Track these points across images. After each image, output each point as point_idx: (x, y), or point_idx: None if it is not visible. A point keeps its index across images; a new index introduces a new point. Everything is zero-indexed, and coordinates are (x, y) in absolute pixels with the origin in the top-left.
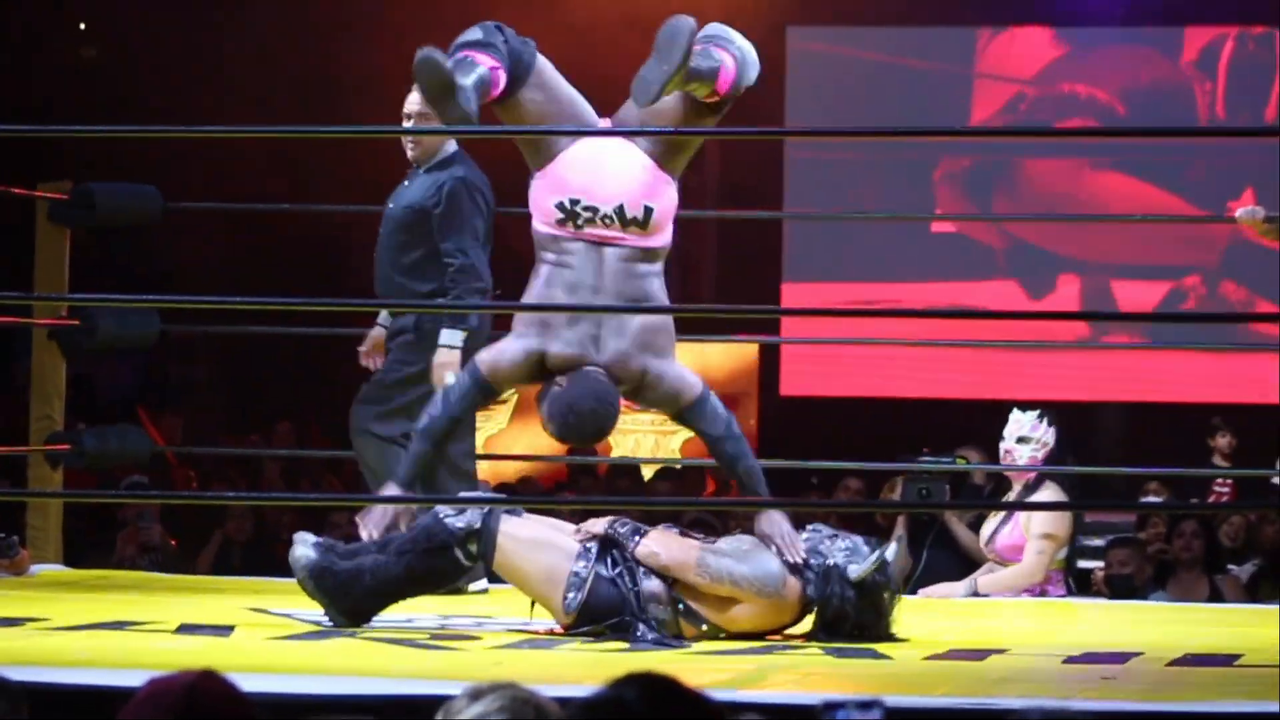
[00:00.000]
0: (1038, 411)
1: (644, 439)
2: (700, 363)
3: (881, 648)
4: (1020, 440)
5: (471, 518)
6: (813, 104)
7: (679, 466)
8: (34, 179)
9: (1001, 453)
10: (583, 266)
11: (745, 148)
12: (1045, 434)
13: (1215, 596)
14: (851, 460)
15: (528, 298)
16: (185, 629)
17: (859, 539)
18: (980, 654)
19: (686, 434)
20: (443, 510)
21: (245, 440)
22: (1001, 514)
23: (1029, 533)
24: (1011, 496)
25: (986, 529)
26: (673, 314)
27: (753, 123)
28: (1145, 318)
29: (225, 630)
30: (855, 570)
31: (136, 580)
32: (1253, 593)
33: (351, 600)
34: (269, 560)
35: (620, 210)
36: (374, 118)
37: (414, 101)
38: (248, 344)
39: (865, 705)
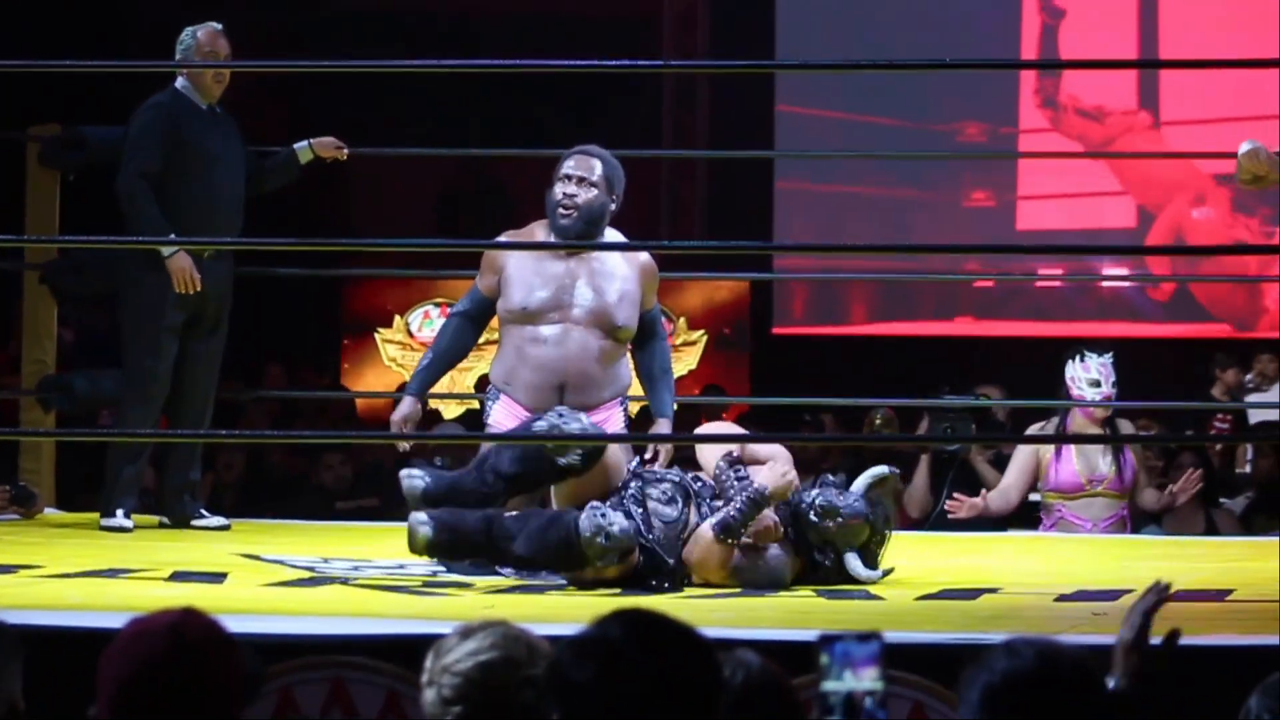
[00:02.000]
0: (1110, 354)
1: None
2: (690, 302)
3: (874, 588)
4: (1093, 384)
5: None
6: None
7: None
8: (25, 121)
9: (1073, 395)
10: None
11: (735, 92)
12: (1112, 374)
13: (1210, 530)
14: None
15: None
16: (178, 576)
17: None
18: (973, 593)
19: (679, 371)
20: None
21: (228, 385)
22: (1105, 451)
23: (1144, 467)
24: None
25: (1082, 466)
26: (666, 250)
27: (743, 57)
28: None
29: (218, 577)
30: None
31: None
32: (1247, 526)
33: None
34: (261, 502)
35: None
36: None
37: None
38: (236, 286)
39: (864, 637)
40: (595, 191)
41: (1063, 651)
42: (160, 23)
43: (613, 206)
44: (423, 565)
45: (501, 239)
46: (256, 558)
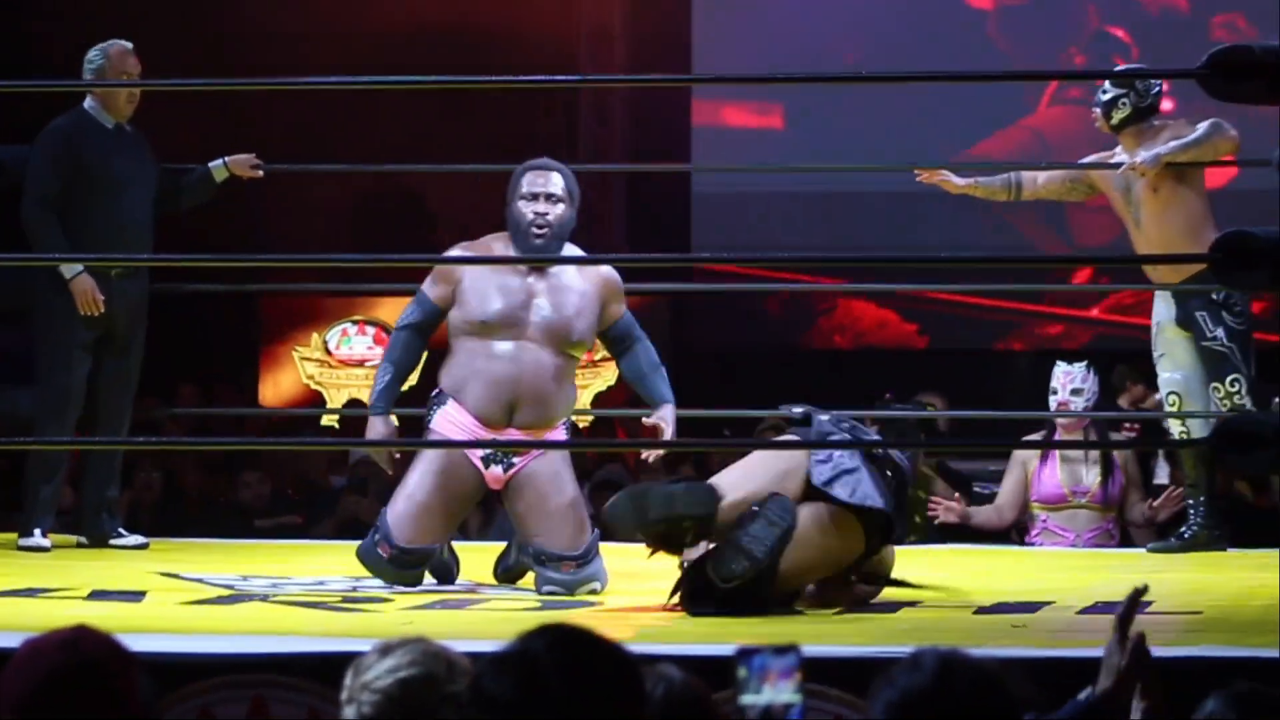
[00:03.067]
0: (1085, 363)
1: None
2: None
3: (796, 602)
4: (1074, 392)
5: None
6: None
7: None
8: None
9: (1054, 405)
10: None
11: (651, 106)
12: (1093, 383)
13: (1127, 542)
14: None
15: None
16: (96, 595)
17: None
18: (893, 606)
19: (599, 387)
20: None
21: (143, 403)
22: (1089, 463)
23: (1134, 483)
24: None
25: (1066, 477)
26: (583, 264)
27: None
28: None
29: (137, 596)
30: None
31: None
32: (1162, 537)
33: None
34: (178, 522)
35: None
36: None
37: None
38: (150, 304)
39: (781, 650)
40: (563, 206)
41: (967, 663)
42: (66, 39)
43: (575, 216)
44: (342, 581)
45: (456, 252)
46: (176, 576)
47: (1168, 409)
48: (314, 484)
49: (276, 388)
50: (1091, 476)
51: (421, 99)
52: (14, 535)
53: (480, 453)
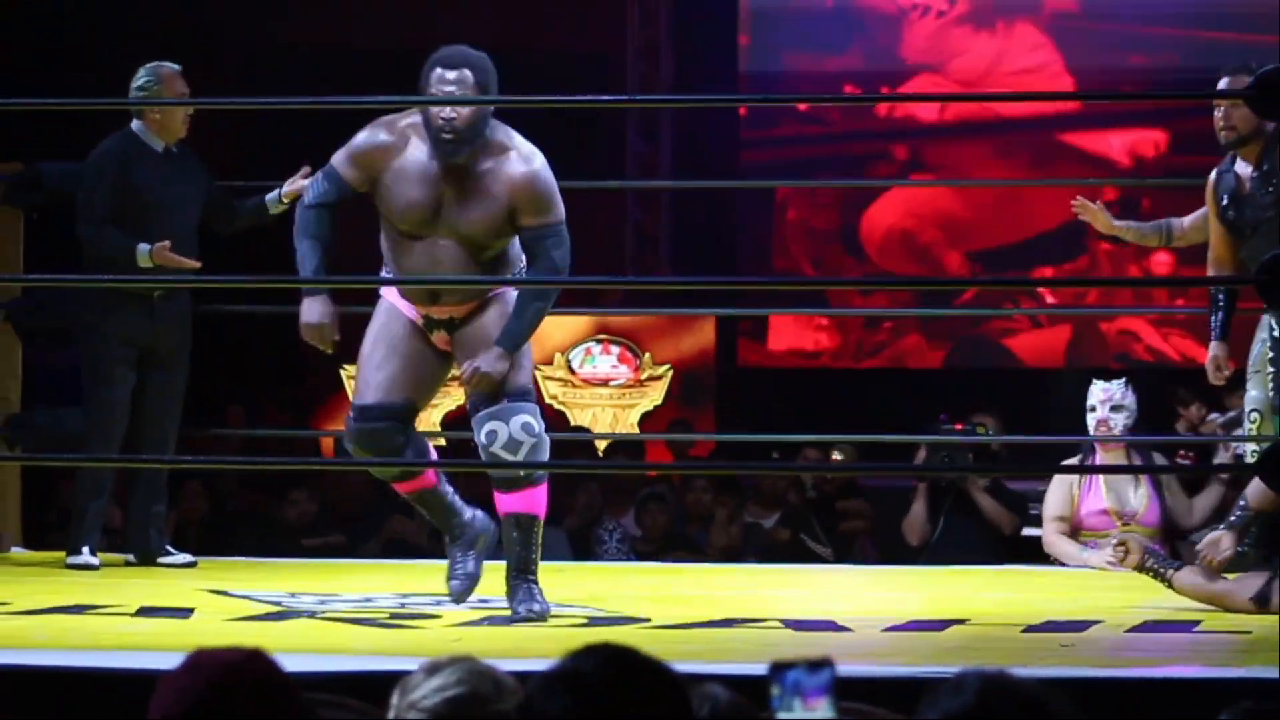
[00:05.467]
0: (1123, 380)
1: (601, 413)
2: (654, 336)
3: (842, 619)
4: (1114, 409)
5: None
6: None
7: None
8: None
9: (1093, 424)
10: None
11: (700, 120)
12: (1132, 400)
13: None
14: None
15: None
16: (144, 611)
17: None
18: (940, 624)
19: (645, 407)
20: None
21: (191, 422)
22: (1135, 486)
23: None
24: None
25: (1058, 502)
26: (633, 285)
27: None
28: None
29: (185, 612)
30: None
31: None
32: None
33: None
34: (226, 541)
35: None
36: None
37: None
38: (196, 325)
39: (815, 666)
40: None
41: (1010, 686)
42: (109, 57)
43: (492, 109)
44: (389, 598)
45: (381, 134)
46: (223, 593)
47: (1248, 426)
48: (360, 503)
49: (326, 409)
50: (1138, 499)
51: None
52: (62, 554)
53: (420, 319)
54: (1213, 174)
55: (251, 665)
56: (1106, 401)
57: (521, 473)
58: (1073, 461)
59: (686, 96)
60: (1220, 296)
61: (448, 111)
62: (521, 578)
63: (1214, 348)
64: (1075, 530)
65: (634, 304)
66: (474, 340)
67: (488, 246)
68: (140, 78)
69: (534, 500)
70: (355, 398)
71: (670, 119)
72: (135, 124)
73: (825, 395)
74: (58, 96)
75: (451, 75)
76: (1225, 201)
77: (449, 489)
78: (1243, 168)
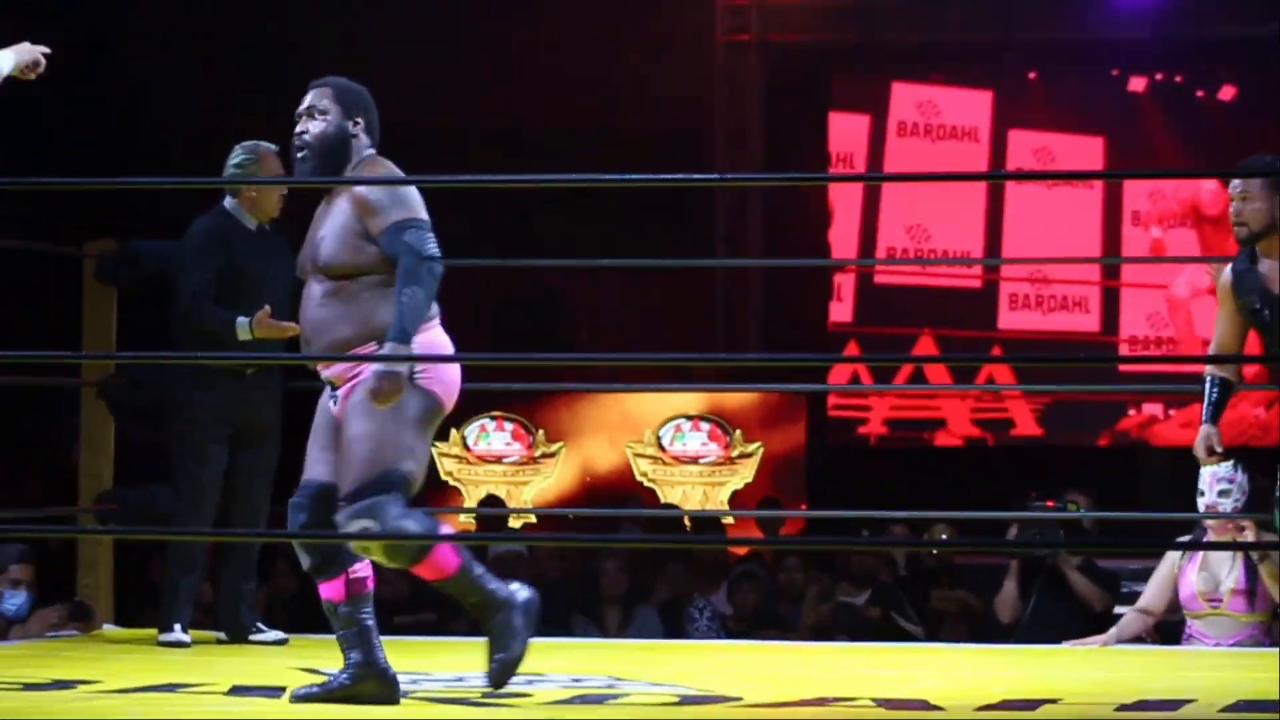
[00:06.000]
0: (1231, 461)
1: (692, 490)
2: (745, 413)
3: (934, 698)
4: (1222, 493)
5: None
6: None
7: (729, 520)
8: (81, 238)
9: (1201, 507)
10: None
11: (789, 196)
12: (1242, 481)
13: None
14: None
15: None
16: (236, 690)
17: None
18: (1032, 703)
19: (736, 484)
20: None
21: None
22: (1229, 569)
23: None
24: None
25: (1202, 584)
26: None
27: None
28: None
29: (277, 691)
30: None
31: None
32: None
33: None
34: (315, 618)
35: None
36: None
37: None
38: (288, 401)
39: None
40: (327, 119)
41: None
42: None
43: (354, 128)
44: (481, 678)
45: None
46: (315, 671)
47: None
48: None
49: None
50: (1229, 582)
51: (560, 197)
52: (153, 631)
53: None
54: (1227, 271)
55: None
56: (1214, 485)
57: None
58: (1184, 540)
59: (773, 175)
60: (1215, 389)
61: (302, 124)
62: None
63: (1207, 428)
64: (1175, 604)
65: (725, 381)
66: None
67: (344, 275)
68: (237, 155)
69: (332, 589)
70: None
71: (759, 197)
72: (229, 202)
73: (918, 472)
74: (150, 173)
75: (311, 93)
76: (1258, 304)
77: (477, 569)
78: (1266, 265)
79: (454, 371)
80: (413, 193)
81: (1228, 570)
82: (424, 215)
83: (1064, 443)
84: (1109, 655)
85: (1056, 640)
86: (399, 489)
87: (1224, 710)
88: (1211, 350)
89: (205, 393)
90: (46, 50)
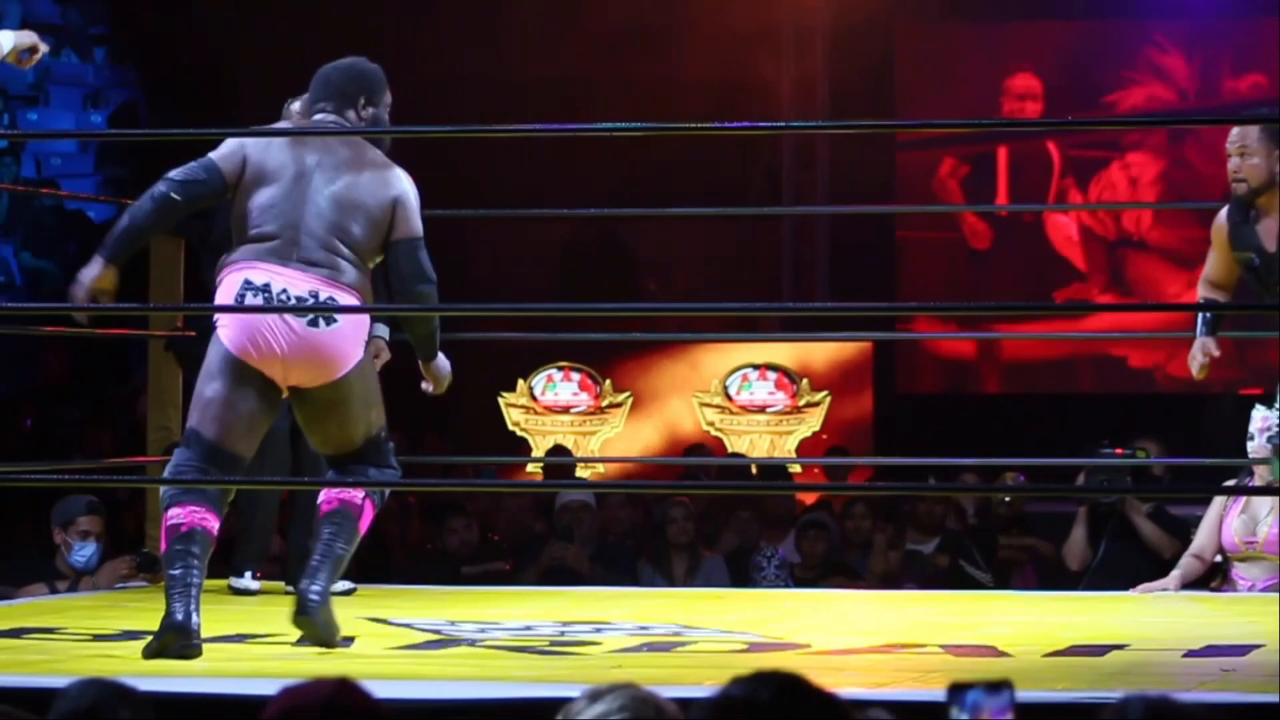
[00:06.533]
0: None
1: (759, 439)
2: (810, 360)
3: (1002, 644)
4: (1271, 438)
5: None
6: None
7: (796, 468)
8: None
9: (1252, 451)
10: None
11: (856, 146)
12: None
13: None
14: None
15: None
16: (305, 640)
17: None
18: (1101, 649)
19: (803, 433)
20: None
21: None
22: (1267, 512)
23: None
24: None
25: (1240, 527)
26: (789, 312)
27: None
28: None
29: (346, 641)
30: None
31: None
32: None
33: None
34: (384, 568)
35: None
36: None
37: None
38: None
39: (994, 686)
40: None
41: (1175, 709)
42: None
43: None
44: (550, 626)
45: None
46: (383, 621)
47: None
48: (520, 530)
49: (481, 436)
50: (1266, 525)
51: (626, 148)
52: (222, 581)
53: None
54: (1222, 216)
55: (342, 697)
56: (1264, 429)
57: None
58: (1230, 484)
59: (837, 123)
60: (1208, 315)
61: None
62: None
63: (1203, 340)
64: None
65: (791, 329)
66: None
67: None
68: (289, 105)
69: None
70: None
71: (826, 144)
72: None
73: (985, 420)
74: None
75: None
76: (1256, 260)
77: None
78: (1264, 223)
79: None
80: None
81: (1266, 513)
82: None
83: (1134, 390)
84: (1176, 601)
85: (1125, 587)
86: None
87: None
88: (1203, 281)
89: None
90: (46, 47)
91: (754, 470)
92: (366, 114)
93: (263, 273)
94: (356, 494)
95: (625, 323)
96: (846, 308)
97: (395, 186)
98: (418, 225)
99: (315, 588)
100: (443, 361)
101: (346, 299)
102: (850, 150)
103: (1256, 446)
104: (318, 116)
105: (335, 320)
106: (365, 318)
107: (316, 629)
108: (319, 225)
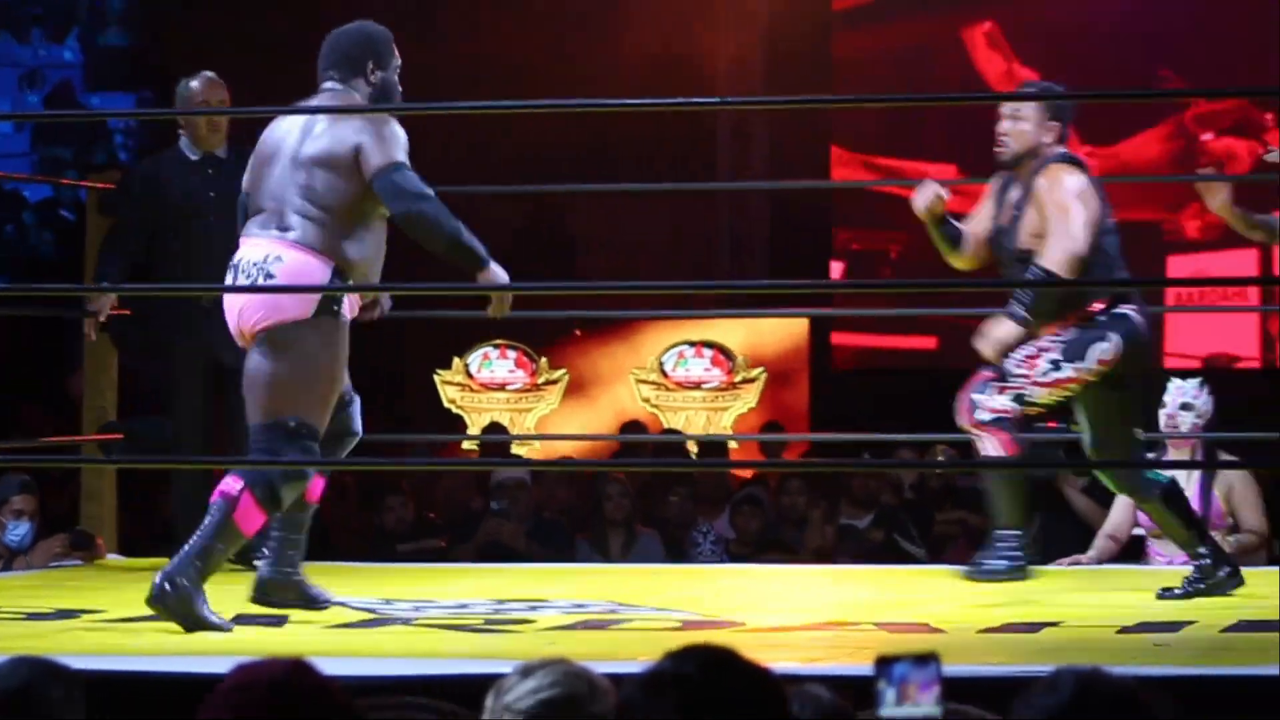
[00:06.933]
0: (1198, 379)
1: (695, 415)
2: (747, 337)
3: (936, 621)
4: (1184, 407)
5: None
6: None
7: (732, 445)
8: (85, 171)
9: (1163, 420)
10: None
11: (792, 129)
12: (1205, 402)
13: (1276, 561)
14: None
15: None
16: (240, 619)
17: None
18: (1034, 626)
19: (739, 409)
20: None
21: None
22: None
23: (1240, 521)
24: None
25: (1112, 519)
26: (724, 290)
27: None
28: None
29: (280, 620)
30: None
31: None
32: None
33: None
34: (321, 546)
35: None
36: None
37: None
38: None
39: (921, 660)
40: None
41: (1105, 683)
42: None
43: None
44: (484, 604)
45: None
46: None
47: None
48: (456, 508)
49: (421, 415)
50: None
51: (564, 124)
52: (158, 561)
53: None
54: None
55: (297, 676)
56: (1178, 399)
57: None
58: (1148, 458)
59: (775, 99)
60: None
61: None
62: None
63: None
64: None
65: (728, 307)
66: None
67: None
68: (180, 86)
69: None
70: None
71: (762, 122)
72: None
73: (920, 395)
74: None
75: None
76: (994, 230)
77: None
78: (1012, 194)
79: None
80: None
81: (1184, 487)
82: None
83: None
84: (1111, 577)
85: (1059, 560)
86: None
87: (1225, 631)
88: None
89: (170, 328)
90: None
91: (692, 447)
92: (375, 78)
93: (240, 248)
94: (234, 485)
95: (563, 301)
96: (783, 285)
97: (360, 132)
98: (393, 152)
99: (158, 577)
100: (496, 272)
101: (292, 254)
102: (787, 128)
103: (1168, 413)
104: (325, 84)
105: (273, 276)
106: (308, 270)
107: (163, 613)
108: (284, 189)
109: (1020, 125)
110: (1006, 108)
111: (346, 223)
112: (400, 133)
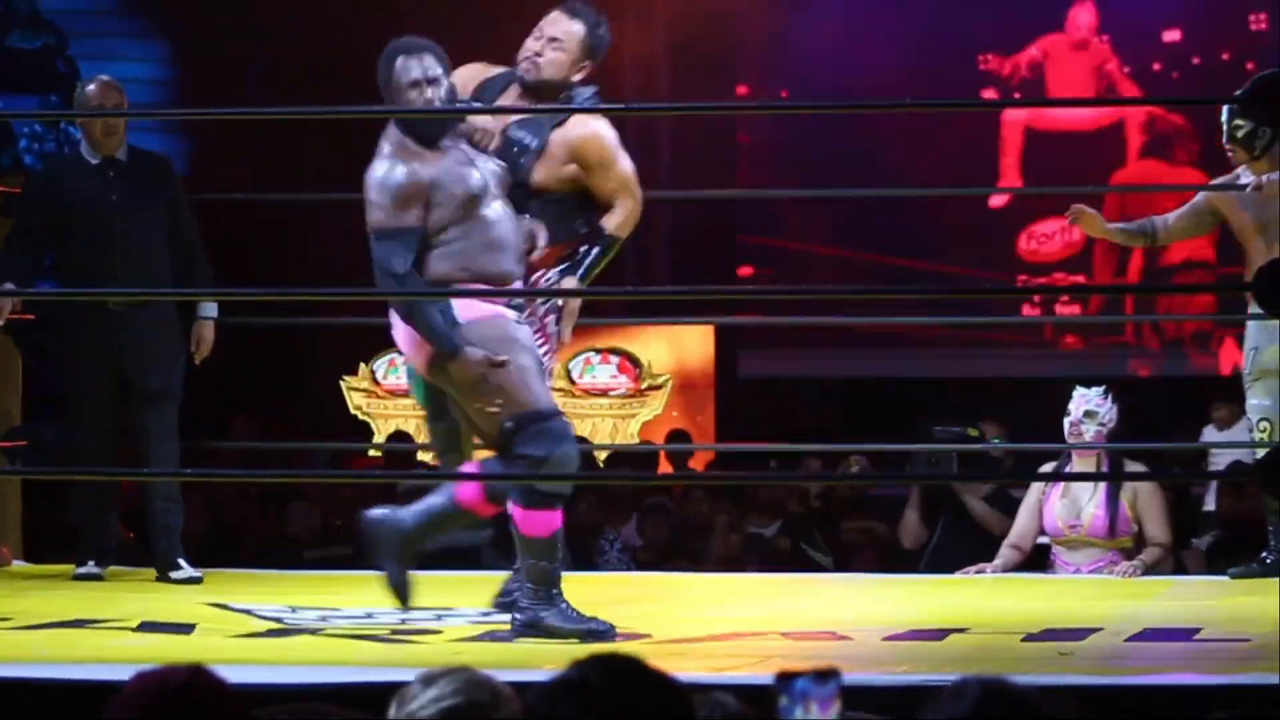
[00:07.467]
0: (1103, 388)
1: (601, 423)
2: (654, 346)
3: (842, 628)
4: (1087, 415)
5: None
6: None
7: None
8: None
9: (1067, 428)
10: None
11: (698, 134)
12: (1109, 410)
13: (1179, 569)
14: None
15: None
16: (146, 626)
17: None
18: (940, 633)
19: (645, 417)
20: None
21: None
22: (1090, 496)
23: (1146, 534)
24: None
25: (1063, 510)
26: (629, 297)
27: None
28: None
29: (187, 628)
30: None
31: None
32: (1211, 564)
33: None
34: (228, 553)
35: None
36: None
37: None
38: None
39: (822, 675)
40: (560, 55)
41: (1009, 693)
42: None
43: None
44: (390, 614)
45: (400, 164)
46: (225, 607)
47: (1257, 435)
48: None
49: (326, 421)
50: (1090, 508)
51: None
52: (63, 568)
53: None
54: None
55: (195, 682)
56: (1081, 406)
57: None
58: (1048, 468)
59: (681, 105)
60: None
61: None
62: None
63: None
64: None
65: (634, 314)
66: None
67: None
68: (75, 93)
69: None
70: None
71: (667, 130)
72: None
73: (826, 405)
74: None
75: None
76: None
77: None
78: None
79: None
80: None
81: (1089, 497)
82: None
83: (981, 374)
84: (1018, 585)
85: (963, 568)
86: None
87: (1130, 639)
88: None
89: (73, 332)
90: None
91: (598, 456)
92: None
93: None
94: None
95: None
96: (688, 291)
97: (369, 175)
98: (376, 216)
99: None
100: (470, 354)
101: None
102: (691, 135)
103: (1072, 419)
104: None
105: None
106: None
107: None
108: None
109: (556, 54)
110: (551, 26)
111: (425, 246)
112: (390, 181)
